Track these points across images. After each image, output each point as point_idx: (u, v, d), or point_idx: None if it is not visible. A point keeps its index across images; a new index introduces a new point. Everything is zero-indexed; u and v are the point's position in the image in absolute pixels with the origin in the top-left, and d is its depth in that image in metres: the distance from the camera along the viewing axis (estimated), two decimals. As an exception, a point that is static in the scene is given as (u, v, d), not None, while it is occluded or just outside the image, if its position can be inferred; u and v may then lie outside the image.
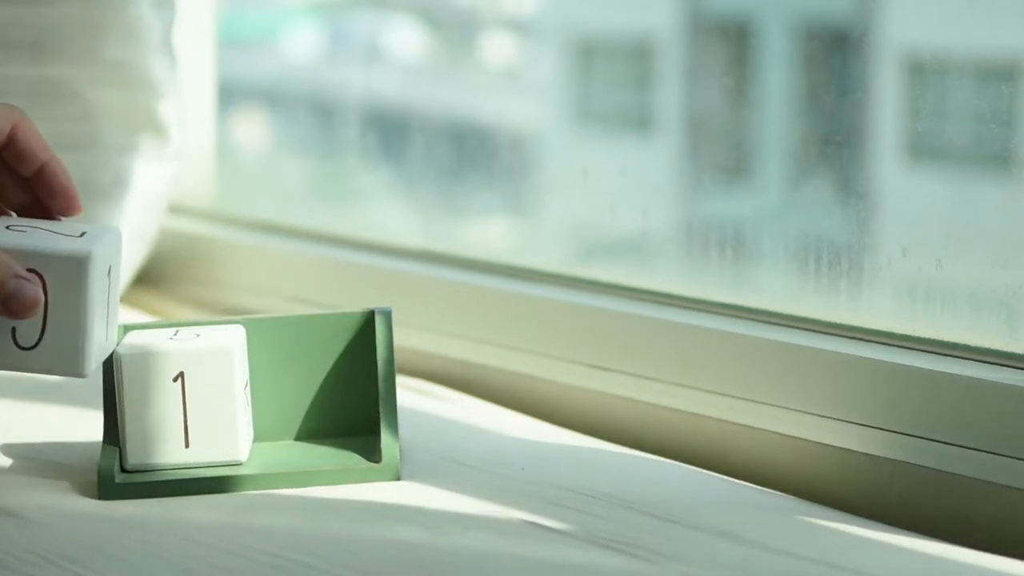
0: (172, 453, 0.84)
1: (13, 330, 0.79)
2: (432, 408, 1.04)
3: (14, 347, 0.80)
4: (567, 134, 1.48)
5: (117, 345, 0.84)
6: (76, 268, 0.79)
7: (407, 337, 1.13)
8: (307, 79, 1.78)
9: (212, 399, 0.83)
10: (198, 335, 0.85)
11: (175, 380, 0.83)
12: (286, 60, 1.84)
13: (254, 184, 1.63)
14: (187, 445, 0.84)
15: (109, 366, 0.84)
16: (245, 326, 0.87)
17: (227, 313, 1.28)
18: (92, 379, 0.88)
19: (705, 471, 0.92)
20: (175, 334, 0.85)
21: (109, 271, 0.81)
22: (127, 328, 0.86)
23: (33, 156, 0.81)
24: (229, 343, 0.84)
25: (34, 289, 0.77)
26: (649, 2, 1.44)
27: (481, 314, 1.13)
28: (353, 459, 0.86)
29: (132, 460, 0.83)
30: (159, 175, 1.27)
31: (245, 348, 0.85)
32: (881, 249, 1.00)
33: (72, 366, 0.80)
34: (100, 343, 0.81)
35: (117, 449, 0.83)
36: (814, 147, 1.13)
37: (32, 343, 0.80)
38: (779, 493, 0.89)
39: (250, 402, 0.87)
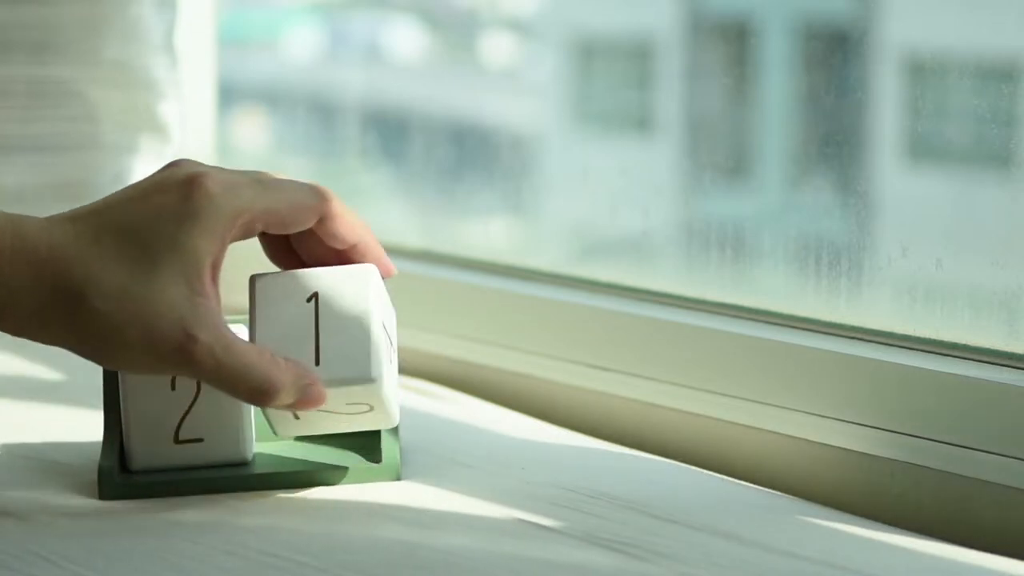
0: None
1: (178, 427, 0.82)
2: (432, 408, 1.04)
3: (173, 443, 0.82)
4: (567, 134, 1.48)
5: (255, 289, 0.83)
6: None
7: (407, 337, 1.13)
8: (307, 79, 1.78)
9: (346, 318, 0.80)
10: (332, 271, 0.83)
11: (308, 300, 0.82)
12: (286, 60, 1.84)
13: (254, 184, 1.63)
14: (317, 363, 0.80)
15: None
16: (247, 326, 0.87)
17: (227, 313, 1.27)
18: (92, 379, 0.88)
19: (705, 471, 0.92)
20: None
21: None
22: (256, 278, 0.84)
23: (343, 239, 0.82)
24: (367, 270, 0.82)
25: (317, 390, 0.79)
26: (649, 2, 1.44)
27: (481, 314, 1.13)
28: (353, 459, 0.86)
29: (136, 463, 0.83)
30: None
31: (383, 288, 0.83)
32: (881, 249, 1.00)
33: (236, 453, 0.84)
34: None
35: (117, 449, 0.83)
36: (814, 147, 1.13)
37: (196, 436, 0.83)
38: (779, 493, 0.89)
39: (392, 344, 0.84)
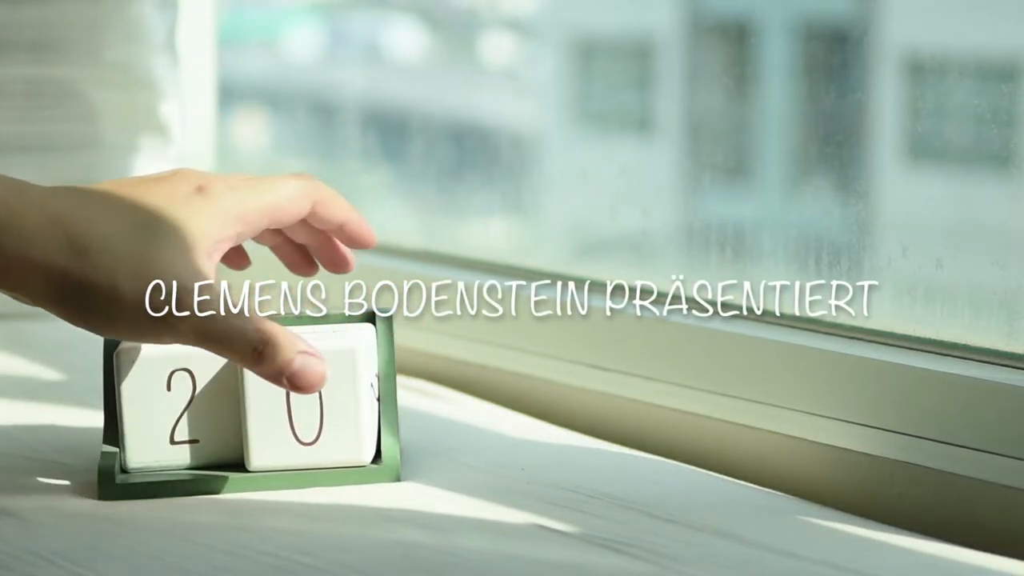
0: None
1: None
2: (432, 408, 1.04)
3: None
4: (567, 134, 1.48)
5: None
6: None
7: (407, 337, 1.13)
8: (307, 79, 1.78)
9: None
10: None
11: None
12: (286, 60, 1.84)
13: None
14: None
15: (109, 366, 0.84)
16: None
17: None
18: (92, 379, 0.88)
19: (705, 471, 0.92)
20: None
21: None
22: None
23: (333, 221, 0.85)
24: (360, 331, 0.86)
25: (319, 364, 0.79)
26: (649, 2, 1.44)
27: (481, 314, 1.13)
28: (353, 459, 0.86)
29: (132, 462, 0.83)
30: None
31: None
32: (881, 249, 1.00)
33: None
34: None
35: (117, 449, 0.83)
36: (814, 147, 1.13)
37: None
38: (779, 493, 0.89)
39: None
